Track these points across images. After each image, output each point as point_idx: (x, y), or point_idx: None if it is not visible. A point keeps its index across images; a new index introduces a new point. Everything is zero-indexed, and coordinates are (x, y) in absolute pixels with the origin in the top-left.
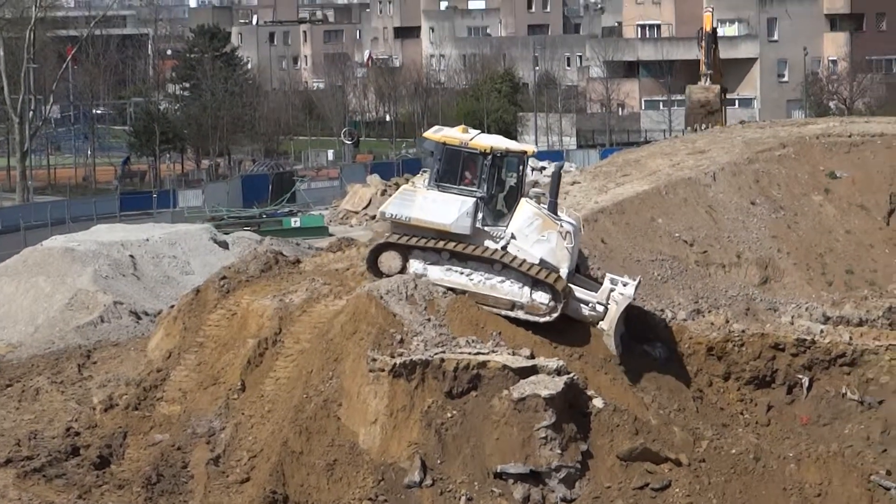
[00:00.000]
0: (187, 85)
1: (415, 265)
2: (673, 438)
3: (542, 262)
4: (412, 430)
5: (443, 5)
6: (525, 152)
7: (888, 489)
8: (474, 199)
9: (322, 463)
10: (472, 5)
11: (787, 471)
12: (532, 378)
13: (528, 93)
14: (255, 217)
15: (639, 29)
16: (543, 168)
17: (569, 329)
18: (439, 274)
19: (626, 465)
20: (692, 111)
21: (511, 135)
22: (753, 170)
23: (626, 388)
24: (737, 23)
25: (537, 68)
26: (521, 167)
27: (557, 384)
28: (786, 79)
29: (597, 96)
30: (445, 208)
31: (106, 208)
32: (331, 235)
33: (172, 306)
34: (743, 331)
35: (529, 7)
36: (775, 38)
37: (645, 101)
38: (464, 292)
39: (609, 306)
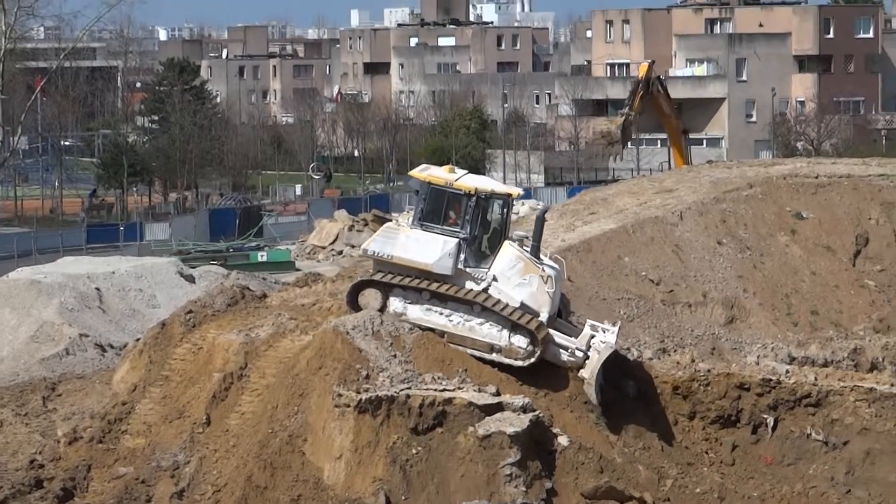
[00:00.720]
0: (156, 117)
1: (395, 304)
2: (638, 477)
3: (523, 306)
4: (377, 466)
5: (413, 42)
6: (510, 195)
7: None
8: (457, 240)
9: (286, 498)
10: (441, 42)
11: None
12: (498, 415)
13: (497, 130)
14: (222, 251)
15: (608, 67)
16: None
17: (536, 367)
18: (419, 313)
19: None
20: (594, 141)
21: (479, 172)
22: (720, 209)
23: (591, 426)
24: (706, 63)
25: (506, 105)
26: (505, 209)
27: (523, 421)
28: (754, 119)
29: (565, 134)
30: (428, 248)
31: (73, 240)
32: (298, 270)
33: (138, 339)
34: (709, 370)
35: (499, 45)
36: (744, 78)
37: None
38: (443, 333)
39: (590, 355)
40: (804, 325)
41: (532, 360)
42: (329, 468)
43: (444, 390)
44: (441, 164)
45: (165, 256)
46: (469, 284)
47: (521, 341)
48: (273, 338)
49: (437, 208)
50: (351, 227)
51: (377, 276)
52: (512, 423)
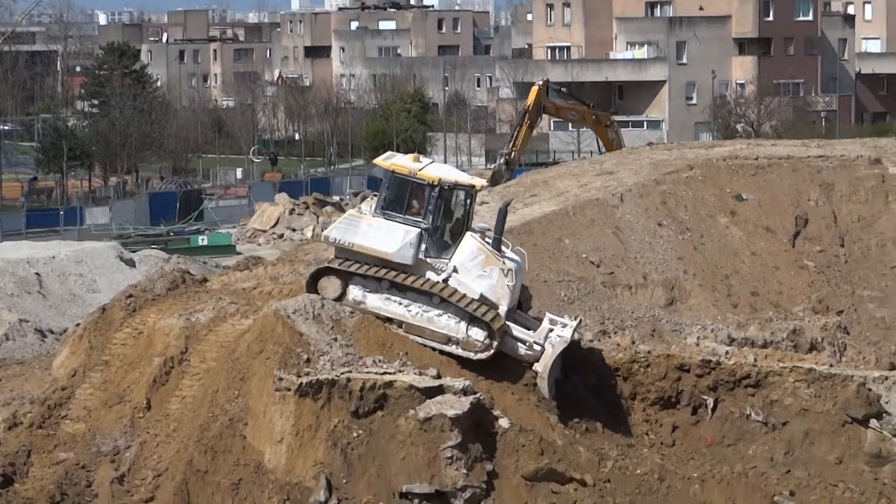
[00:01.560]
0: (96, 102)
1: (354, 292)
2: (578, 459)
3: (482, 298)
4: (318, 450)
5: (353, 25)
6: (473, 186)
7: None
8: (419, 230)
9: (227, 482)
10: (382, 25)
11: (691, 491)
12: (438, 398)
13: (438, 113)
14: (162, 235)
15: (548, 50)
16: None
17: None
18: (378, 302)
19: (531, 486)
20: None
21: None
22: (660, 191)
23: (532, 409)
24: (646, 46)
25: (447, 88)
26: (468, 200)
27: (464, 404)
28: (694, 101)
29: (506, 117)
30: (389, 237)
31: (12, 225)
32: (238, 254)
33: (78, 324)
34: (649, 352)
35: (440, 28)
36: (684, 61)
37: (553, 122)
38: (401, 323)
39: (546, 348)
40: (744, 307)
41: (489, 353)
42: (270, 452)
43: (384, 373)
44: (382, 148)
45: (106, 241)
46: (429, 275)
47: (478, 334)
48: (214, 322)
49: (399, 197)
50: (292, 211)
51: (337, 264)
52: (453, 405)
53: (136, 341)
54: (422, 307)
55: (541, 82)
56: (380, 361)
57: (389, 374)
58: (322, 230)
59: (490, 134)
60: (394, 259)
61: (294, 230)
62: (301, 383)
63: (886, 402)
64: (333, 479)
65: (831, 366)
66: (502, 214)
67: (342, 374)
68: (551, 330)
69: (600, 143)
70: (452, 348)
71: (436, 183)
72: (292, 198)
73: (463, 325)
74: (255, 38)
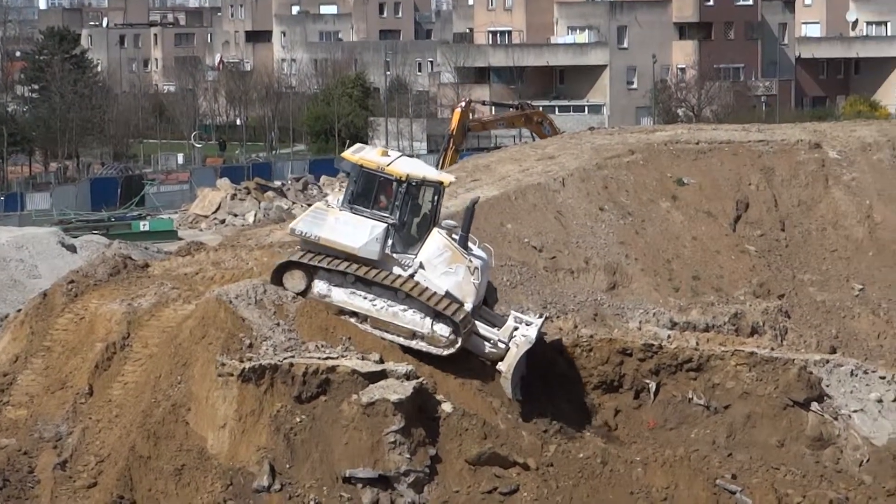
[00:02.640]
0: (36, 87)
1: (319, 285)
2: (521, 443)
3: (448, 295)
4: (261, 435)
5: (294, 10)
6: (441, 182)
7: (733, 493)
8: (386, 225)
9: (170, 468)
10: (323, 10)
11: (634, 475)
12: (381, 382)
13: (380, 97)
14: (103, 220)
15: (490, 35)
16: None
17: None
18: (343, 296)
19: (474, 470)
20: None
21: (362, 139)
22: (602, 176)
23: (475, 393)
24: (587, 30)
25: (388, 73)
26: (436, 197)
27: (406, 389)
28: (635, 86)
29: (448, 101)
30: (356, 231)
31: None
32: (180, 239)
33: (19, 310)
34: (591, 336)
35: (381, 12)
36: (625, 45)
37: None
38: (366, 317)
39: (510, 348)
40: (685, 291)
41: (453, 349)
42: (213, 437)
43: (327, 358)
44: (323, 133)
45: (47, 226)
46: (396, 270)
47: (443, 330)
48: (156, 307)
49: (367, 192)
50: (233, 196)
51: (302, 258)
52: (396, 390)
53: (78, 327)
54: (387, 302)
55: (463, 104)
56: (322, 346)
57: (332, 358)
58: (263, 215)
59: (431, 119)
60: (360, 253)
61: (236, 215)
62: (244, 368)
63: (827, 386)
64: (276, 464)
65: (772, 349)
66: (469, 212)
67: (285, 359)
68: (516, 328)
69: (537, 137)
70: (417, 344)
71: (404, 178)
72: (234, 183)
73: (428, 320)
74: (195, 23)
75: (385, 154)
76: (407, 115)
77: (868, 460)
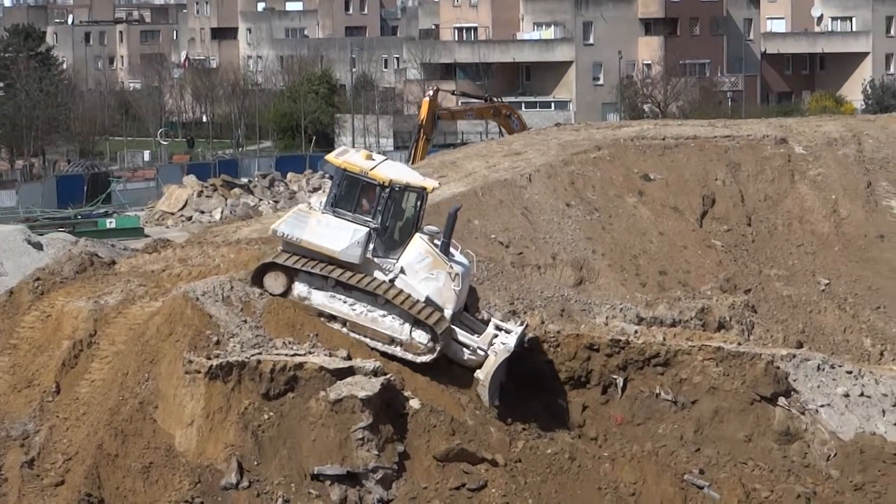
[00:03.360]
0: (1, 85)
1: (299, 288)
2: (489, 439)
3: (428, 301)
4: (229, 432)
5: (260, 6)
6: (425, 188)
7: (701, 488)
8: (368, 230)
9: (138, 465)
10: (289, 7)
11: (601, 470)
12: (349, 379)
13: (346, 94)
14: (69, 218)
15: (456, 31)
16: None
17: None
18: (322, 300)
19: (442, 466)
20: None
21: (328, 136)
22: (568, 172)
23: (442, 389)
24: (553, 26)
25: (354, 70)
26: (419, 202)
27: (374, 385)
28: (601, 82)
29: (414, 98)
30: (337, 235)
31: None
32: (146, 237)
33: None
34: (558, 331)
35: (347, 9)
36: (591, 41)
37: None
38: (345, 322)
39: (489, 355)
40: (652, 286)
41: (432, 356)
42: (180, 435)
43: (294, 355)
44: (290, 130)
45: (12, 224)
46: (376, 274)
47: (421, 336)
48: (122, 304)
49: (350, 195)
50: (200, 193)
51: (283, 260)
52: (363, 386)
53: (45, 325)
54: (367, 307)
55: (431, 93)
56: (290, 343)
57: (300, 355)
58: (230, 212)
59: (398, 115)
60: (341, 257)
61: (202, 212)
62: (211, 366)
63: (794, 380)
64: (244, 461)
65: (739, 344)
66: (452, 219)
67: (252, 356)
68: (496, 336)
69: (504, 131)
70: (395, 350)
71: (387, 184)
72: (200, 180)
73: (407, 326)
74: (161, 20)
75: (369, 158)
76: (373, 111)
77: (835, 455)
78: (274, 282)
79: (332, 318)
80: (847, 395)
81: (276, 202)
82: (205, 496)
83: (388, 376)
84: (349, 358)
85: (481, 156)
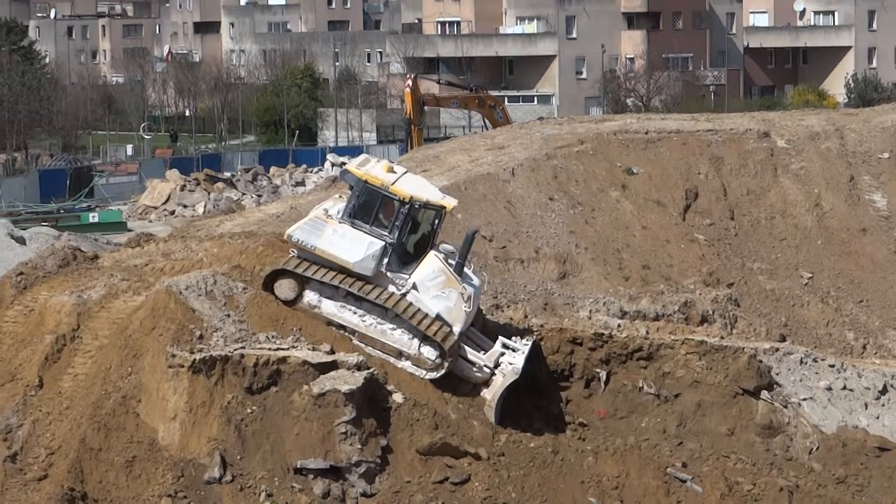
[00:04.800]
0: None
1: (310, 296)
2: (472, 432)
3: (438, 318)
4: (212, 426)
5: (243, 0)
6: (444, 207)
7: (684, 481)
8: (384, 244)
9: (121, 460)
10: (272, 1)
11: (584, 464)
12: (332, 373)
13: (329, 88)
14: (52, 212)
15: (438, 25)
16: (343, 163)
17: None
18: (332, 309)
19: (425, 460)
20: None
21: (311, 131)
22: (552, 166)
23: (425, 383)
24: (536, 20)
25: (337, 64)
26: (437, 220)
27: (357, 379)
28: (584, 76)
29: (397, 92)
30: (353, 246)
31: None
32: (129, 231)
33: None
34: (541, 325)
35: (329, 3)
36: (573, 35)
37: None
38: (354, 332)
39: (496, 376)
40: (635, 280)
41: (440, 372)
42: (164, 429)
43: (278, 349)
44: (273, 124)
45: None
46: (389, 288)
47: (429, 352)
48: (105, 299)
49: (368, 208)
50: (183, 187)
51: (294, 267)
52: (346, 380)
53: (28, 319)
54: (376, 319)
55: (410, 82)
56: (273, 337)
57: (283, 349)
58: (213, 206)
59: (381, 109)
60: (354, 268)
61: (185, 206)
62: (194, 360)
63: (777, 374)
64: (228, 455)
65: (722, 338)
66: (468, 240)
67: (235, 350)
68: (502, 354)
69: (488, 123)
70: (403, 363)
71: (407, 200)
72: (183, 174)
73: (416, 341)
74: (143, 14)
75: (390, 171)
76: (356, 105)
77: (818, 448)
78: (284, 288)
79: (342, 328)
80: (830, 389)
81: (259, 196)
82: (188, 490)
83: (371, 370)
84: (332, 352)
85: (464, 150)
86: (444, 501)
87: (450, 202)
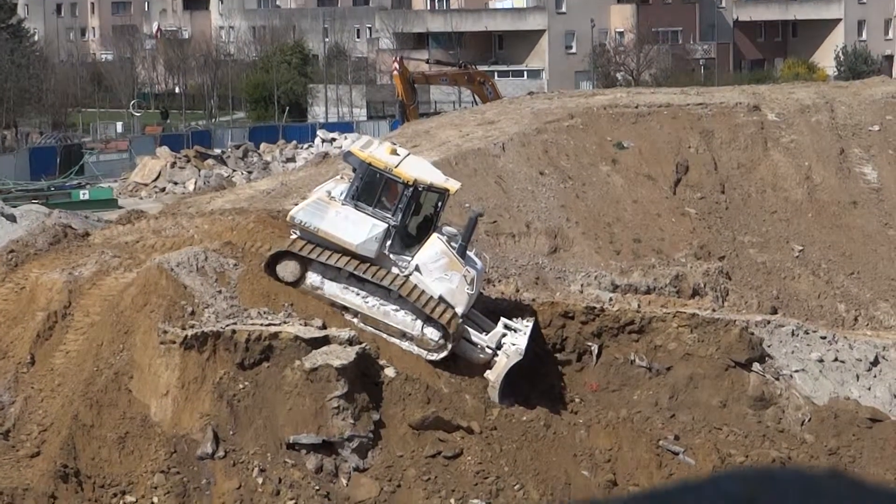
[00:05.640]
0: None
1: (312, 277)
2: (464, 406)
3: (441, 300)
4: (204, 402)
5: None
6: (448, 190)
7: (676, 453)
8: (386, 226)
9: (113, 436)
10: None
11: (577, 437)
12: (324, 348)
13: (318, 64)
14: (43, 190)
15: (428, 1)
16: (334, 139)
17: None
18: (335, 290)
19: (418, 434)
20: None
21: (301, 107)
22: (542, 140)
23: (417, 358)
24: None
25: (327, 40)
26: (440, 203)
27: (349, 354)
28: (574, 50)
29: (386, 68)
30: (356, 228)
31: None
32: (120, 208)
33: None
34: (533, 299)
35: None
36: (563, 10)
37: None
38: (356, 313)
39: (499, 356)
40: (627, 254)
41: (443, 353)
42: (156, 405)
43: (269, 325)
44: (262, 101)
45: None
46: (391, 269)
47: (433, 334)
48: (97, 276)
49: (372, 190)
50: (173, 164)
51: (297, 249)
52: (338, 355)
53: (19, 297)
54: (379, 300)
55: (396, 65)
56: (265, 313)
57: (275, 325)
58: (203, 183)
59: (371, 85)
60: (357, 250)
61: (176, 183)
62: (186, 336)
63: (768, 346)
64: (220, 430)
65: (714, 311)
66: (472, 223)
67: (227, 326)
68: (504, 335)
69: (478, 99)
70: (406, 344)
71: (411, 183)
72: (173, 151)
73: (419, 323)
74: None
75: (394, 153)
76: (346, 81)
77: (809, 420)
78: (287, 269)
79: (345, 309)
80: (821, 361)
81: (250, 172)
82: (180, 466)
83: (363, 345)
84: (324, 327)
85: (454, 125)
86: (436, 475)
87: (453, 185)
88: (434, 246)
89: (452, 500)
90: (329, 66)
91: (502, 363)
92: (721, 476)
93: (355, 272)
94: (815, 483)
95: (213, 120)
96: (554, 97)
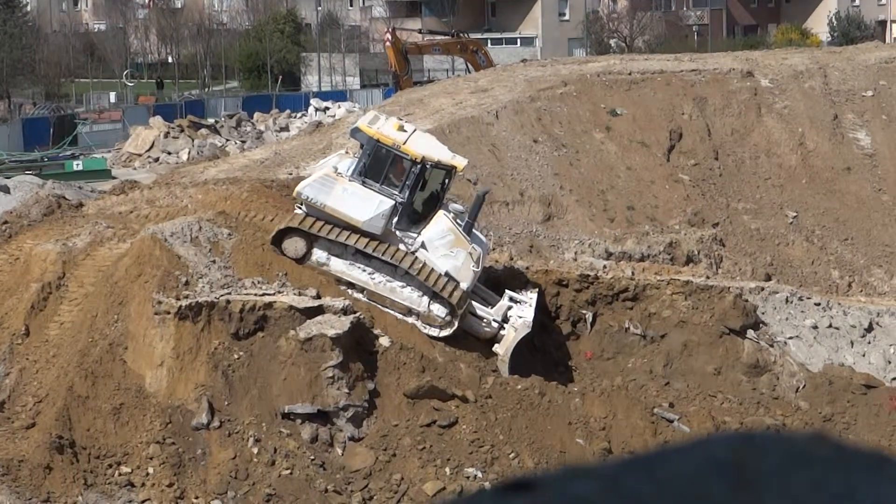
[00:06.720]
0: None
1: (318, 254)
2: (459, 375)
3: (447, 276)
4: (199, 372)
5: None
6: (455, 167)
7: (671, 421)
8: (393, 202)
9: (108, 407)
10: None
11: (572, 405)
12: (318, 318)
13: (311, 33)
14: (36, 161)
15: None
16: (327, 108)
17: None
18: (341, 266)
19: (413, 403)
20: None
21: (294, 76)
22: (535, 108)
23: (412, 327)
24: None
25: (320, 8)
26: (447, 180)
27: (344, 323)
28: (567, 17)
29: (379, 36)
30: (363, 205)
31: None
32: (114, 178)
33: None
34: (527, 267)
35: None
36: None
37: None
38: (363, 289)
39: (507, 330)
40: (620, 221)
41: (449, 330)
42: (151, 376)
43: (264, 294)
44: (256, 70)
45: None
46: (400, 247)
47: (439, 310)
48: (91, 246)
49: (379, 166)
50: (167, 134)
51: (304, 225)
52: (333, 325)
53: (13, 268)
54: (385, 277)
55: (389, 36)
56: (259, 282)
57: (269, 294)
58: (197, 152)
59: (364, 53)
60: (363, 227)
61: (169, 153)
62: (180, 306)
63: (763, 313)
64: (215, 401)
65: (708, 278)
66: (479, 200)
67: (221, 296)
68: (510, 307)
69: (471, 67)
70: (412, 320)
71: (419, 160)
72: (167, 121)
73: (425, 299)
74: None
75: (401, 129)
76: (339, 50)
77: (804, 386)
78: (293, 246)
79: (351, 285)
80: (815, 327)
81: (244, 142)
82: (176, 436)
83: (357, 314)
84: (319, 296)
85: (448, 93)
86: (431, 444)
87: (460, 162)
88: (440, 223)
89: (447, 469)
90: (322, 34)
91: (510, 336)
92: (708, 440)
93: (362, 248)
94: (798, 446)
95: (207, 89)
96: (547, 64)
